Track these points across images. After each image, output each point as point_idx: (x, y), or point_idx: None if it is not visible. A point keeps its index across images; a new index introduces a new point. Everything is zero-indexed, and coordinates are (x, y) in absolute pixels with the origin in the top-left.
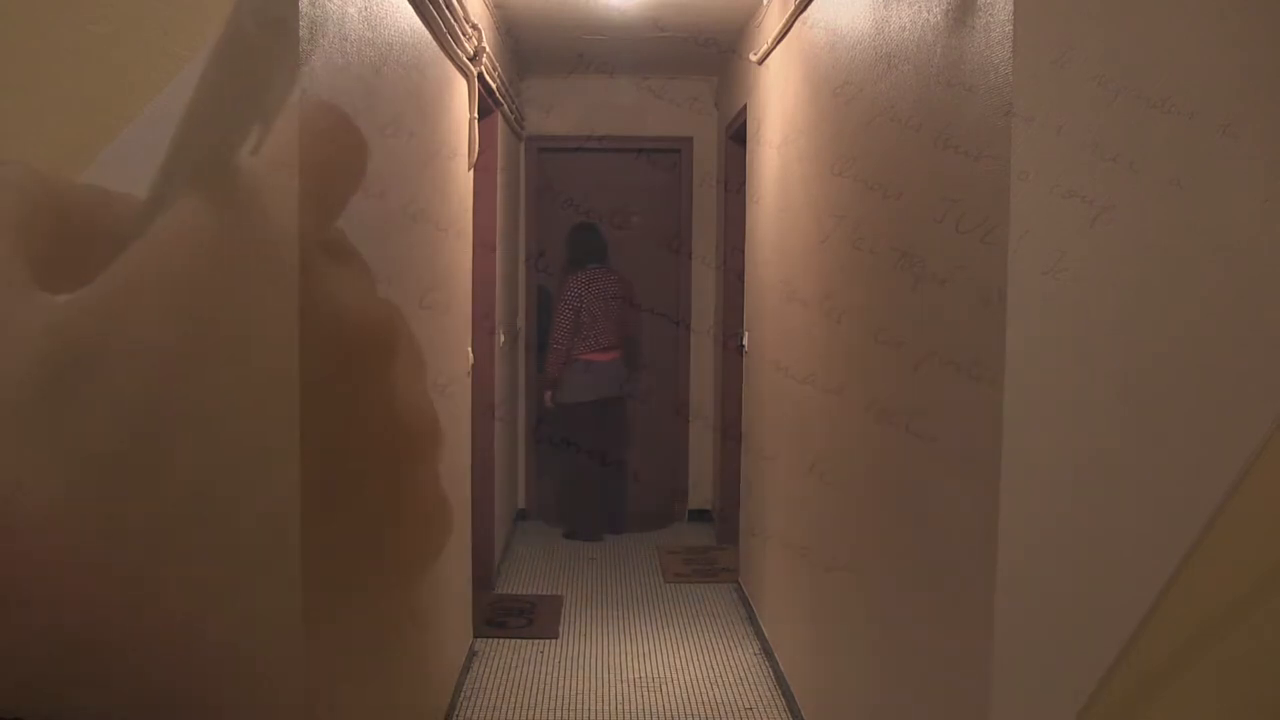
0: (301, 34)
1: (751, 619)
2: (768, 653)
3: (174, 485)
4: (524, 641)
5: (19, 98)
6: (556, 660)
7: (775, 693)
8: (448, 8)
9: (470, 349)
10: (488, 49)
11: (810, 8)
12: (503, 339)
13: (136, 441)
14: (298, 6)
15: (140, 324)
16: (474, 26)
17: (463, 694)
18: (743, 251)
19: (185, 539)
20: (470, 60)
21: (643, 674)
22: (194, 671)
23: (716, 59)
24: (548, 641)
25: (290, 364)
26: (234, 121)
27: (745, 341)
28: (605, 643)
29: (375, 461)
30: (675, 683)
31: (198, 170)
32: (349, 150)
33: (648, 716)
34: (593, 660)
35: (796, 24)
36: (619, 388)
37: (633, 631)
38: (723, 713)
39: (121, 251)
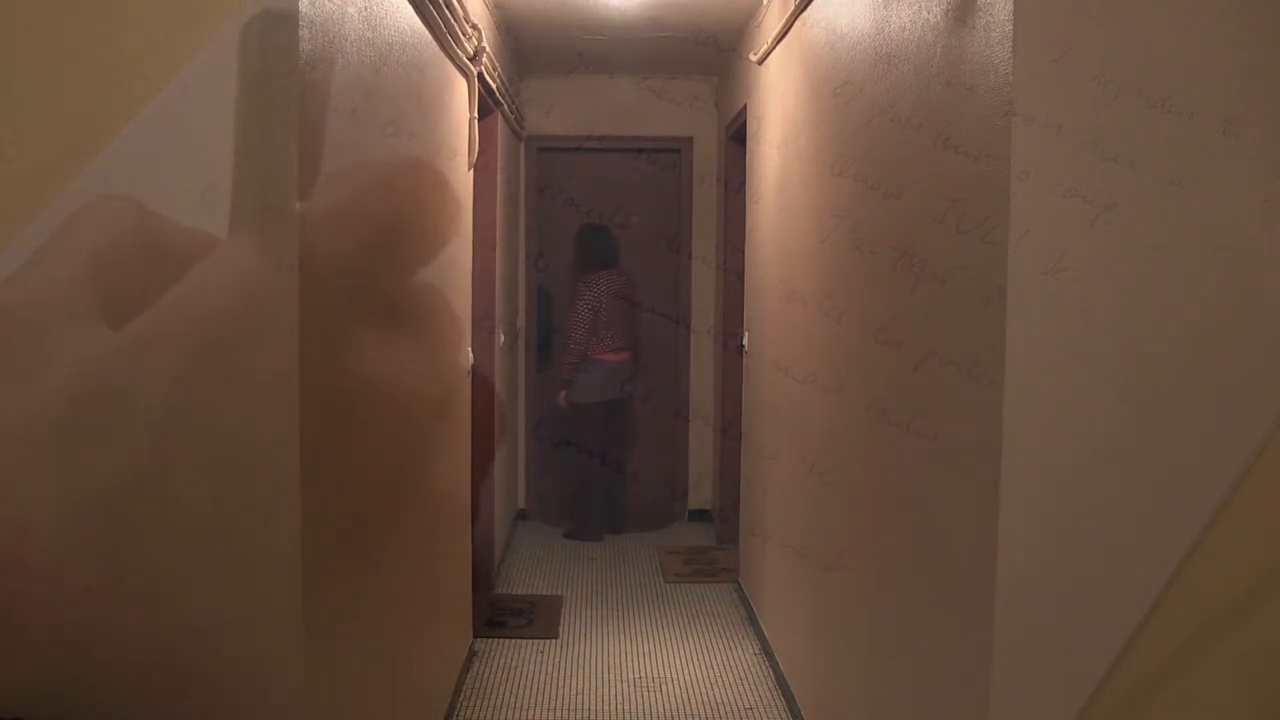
0: (301, 34)
1: (751, 619)
2: (768, 653)
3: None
4: (524, 641)
5: (19, 97)
6: (556, 660)
7: (775, 693)
8: (448, 8)
9: (470, 349)
10: (488, 49)
11: (810, 8)
12: (503, 339)
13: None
14: (298, 7)
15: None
16: (474, 26)
17: (463, 694)
18: (743, 251)
19: (189, 550)
20: (470, 60)
21: (643, 674)
22: (194, 672)
23: (716, 59)
24: (548, 641)
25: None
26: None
27: (745, 341)
28: (605, 643)
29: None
30: (675, 683)
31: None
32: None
33: (648, 716)
34: (593, 660)
35: (796, 24)
36: (625, 388)
37: (633, 631)
38: (723, 713)
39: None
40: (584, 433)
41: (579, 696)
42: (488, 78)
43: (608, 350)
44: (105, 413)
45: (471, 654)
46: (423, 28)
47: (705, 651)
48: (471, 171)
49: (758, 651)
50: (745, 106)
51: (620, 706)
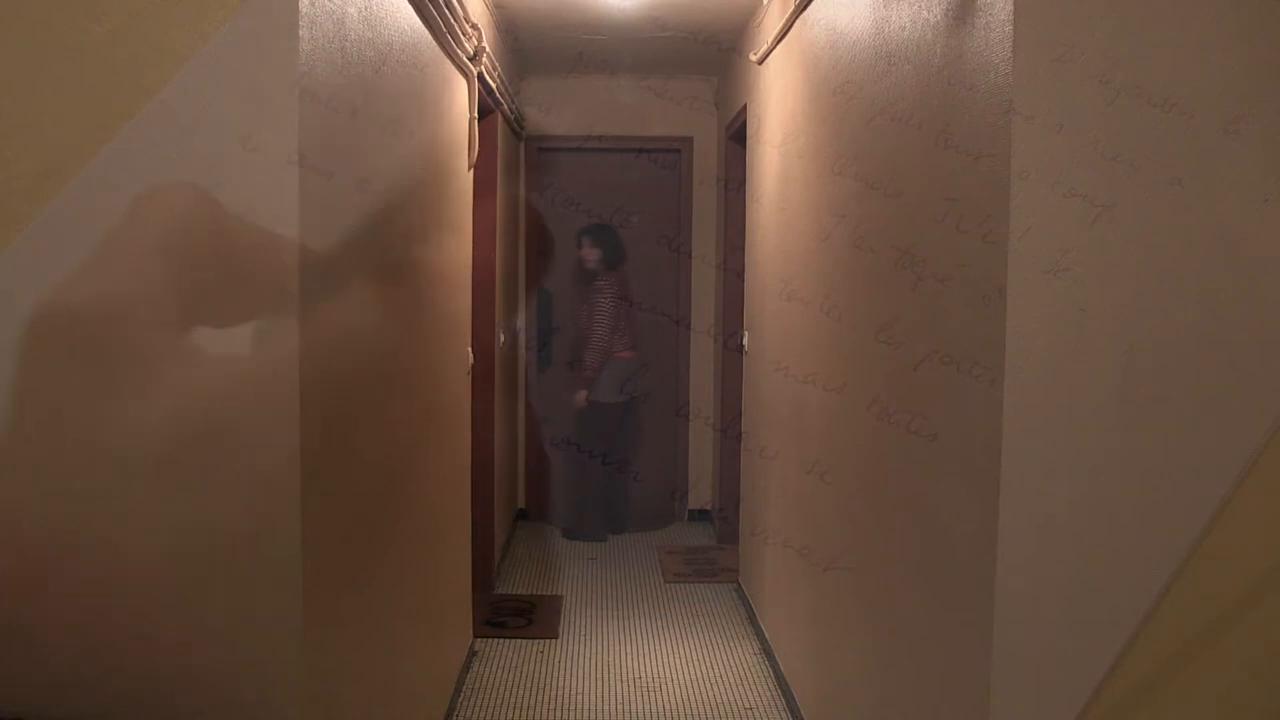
0: (301, 34)
1: (751, 619)
2: (768, 653)
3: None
4: (524, 641)
5: (18, 96)
6: (556, 660)
7: (775, 693)
8: (448, 8)
9: (470, 349)
10: (488, 49)
11: (810, 7)
12: (503, 339)
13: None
14: (298, 7)
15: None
16: (474, 26)
17: (463, 694)
18: (743, 251)
19: (189, 550)
20: (470, 60)
21: (643, 674)
22: (194, 673)
23: (716, 59)
24: (548, 641)
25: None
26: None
27: (745, 341)
28: (605, 643)
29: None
30: (675, 683)
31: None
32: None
33: (648, 716)
34: (593, 660)
35: (796, 24)
36: (627, 386)
37: (633, 631)
38: (723, 713)
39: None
40: (601, 431)
41: (579, 696)
42: (488, 78)
43: (625, 348)
44: (112, 410)
45: (471, 654)
46: (423, 28)
47: (705, 651)
48: (471, 171)
49: (758, 651)
50: (745, 106)
51: (620, 706)
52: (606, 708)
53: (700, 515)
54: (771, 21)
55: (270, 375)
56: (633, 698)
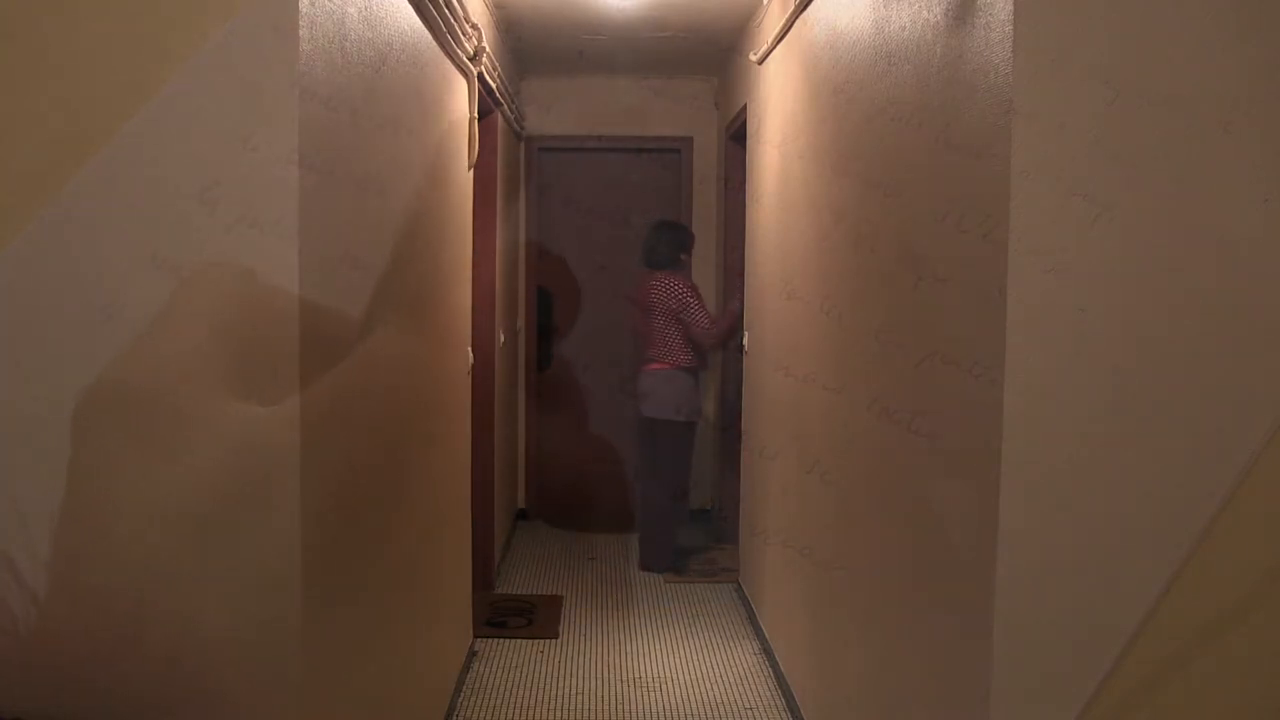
0: (301, 34)
1: (751, 619)
2: (768, 653)
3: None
4: (524, 641)
5: (17, 96)
6: (556, 660)
7: (775, 693)
8: (448, 8)
9: (470, 349)
10: (488, 49)
11: (810, 7)
12: (503, 339)
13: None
14: (298, 7)
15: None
16: (474, 26)
17: (463, 694)
18: (743, 251)
19: (188, 551)
20: (470, 60)
21: (643, 674)
22: (194, 673)
23: (716, 59)
24: (548, 641)
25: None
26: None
27: (745, 341)
28: (605, 643)
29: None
30: (675, 683)
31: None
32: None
33: (648, 716)
34: (593, 660)
35: (796, 23)
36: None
37: (633, 631)
38: (723, 713)
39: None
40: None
41: (579, 696)
42: (488, 78)
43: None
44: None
45: (471, 654)
46: (423, 27)
47: (705, 651)
48: (471, 171)
49: (758, 651)
50: (745, 106)
51: (620, 706)
52: (606, 708)
53: (700, 515)
54: (771, 21)
55: (271, 375)
56: (633, 698)
